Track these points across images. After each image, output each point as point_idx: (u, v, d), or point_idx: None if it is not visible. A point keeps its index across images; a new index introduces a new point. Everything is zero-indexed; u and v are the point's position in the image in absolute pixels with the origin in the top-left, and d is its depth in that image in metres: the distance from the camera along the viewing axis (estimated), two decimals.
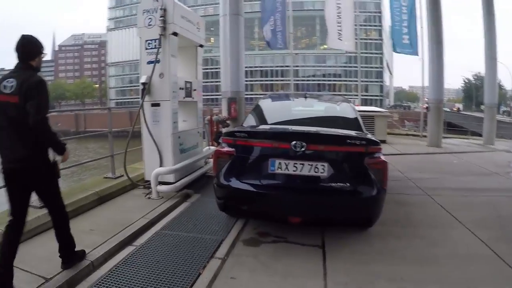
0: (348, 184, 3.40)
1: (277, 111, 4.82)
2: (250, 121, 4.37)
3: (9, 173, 2.77)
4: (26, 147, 2.73)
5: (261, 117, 4.50)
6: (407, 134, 15.72)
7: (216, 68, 67.85)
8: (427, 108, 12.43)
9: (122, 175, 5.71)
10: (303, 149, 3.36)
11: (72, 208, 4.43)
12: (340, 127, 3.98)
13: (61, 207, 3.13)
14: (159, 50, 5.23)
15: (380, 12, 73.39)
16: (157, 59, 5.24)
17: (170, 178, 5.42)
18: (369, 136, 3.69)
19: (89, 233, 3.99)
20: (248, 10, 61.11)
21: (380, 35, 74.34)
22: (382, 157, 3.52)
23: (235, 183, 3.60)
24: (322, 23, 67.12)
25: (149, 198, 5.20)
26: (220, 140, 3.95)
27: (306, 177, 3.41)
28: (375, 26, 73.93)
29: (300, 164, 3.39)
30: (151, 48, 5.34)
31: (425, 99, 14.35)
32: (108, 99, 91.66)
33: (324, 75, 76.71)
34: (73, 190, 5.13)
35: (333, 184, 3.39)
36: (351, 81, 73.93)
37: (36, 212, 3.88)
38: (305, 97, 5.01)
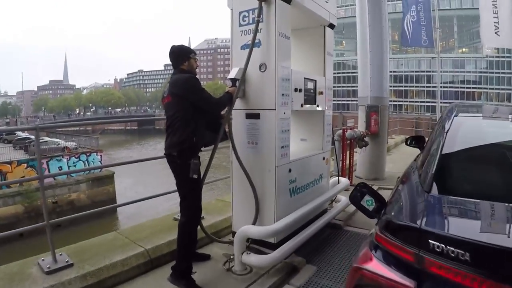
0: None
1: None
2: (450, 176, 1.78)
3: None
4: (170, 137, 2.94)
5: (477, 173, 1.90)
6: None
7: (348, 73, 64.87)
8: None
9: (202, 217, 3.84)
10: None
11: (98, 278, 2.77)
12: None
13: (187, 212, 3.01)
14: (259, 27, 3.12)
15: None
16: (256, 41, 3.14)
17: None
18: None
19: None
20: None
21: None
22: None
23: None
24: (460, 23, 59.48)
25: (228, 270, 3.15)
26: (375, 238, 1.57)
27: None
28: None
29: None
30: (247, 24, 3.26)
31: None
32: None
33: (462, 82, 66.57)
34: (114, 240, 3.44)
35: None
36: (492, 88, 63.35)
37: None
38: None
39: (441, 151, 1.87)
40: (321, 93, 4.03)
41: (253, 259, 3.02)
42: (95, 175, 20.70)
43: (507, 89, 61.28)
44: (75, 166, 20.78)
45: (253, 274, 3.09)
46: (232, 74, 3.23)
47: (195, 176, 2.85)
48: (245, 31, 3.26)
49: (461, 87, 65.35)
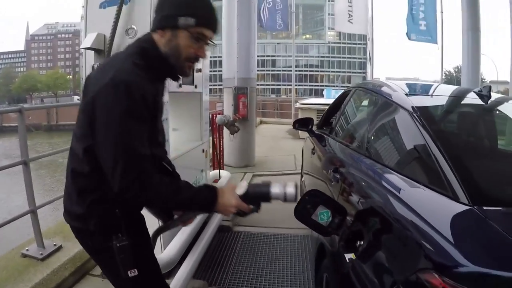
0: None
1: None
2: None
3: None
4: (70, 187, 1.33)
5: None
6: None
7: (214, 57, 64.53)
8: None
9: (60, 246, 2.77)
10: None
11: None
12: None
13: None
14: None
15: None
16: None
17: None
18: None
19: None
20: None
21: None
22: None
23: None
24: (305, 12, 67.58)
25: None
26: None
27: None
28: None
29: None
30: None
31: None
32: (81, 91, 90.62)
33: (306, 65, 74.22)
34: None
35: None
36: (333, 71, 72.71)
37: None
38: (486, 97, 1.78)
39: (436, 141, 1.35)
40: (200, 70, 3.26)
41: None
42: None
43: (347, 72, 70.92)
44: None
45: None
46: (87, 43, 2.16)
47: (131, 274, 1.30)
48: None
49: (304, 71, 72.59)
